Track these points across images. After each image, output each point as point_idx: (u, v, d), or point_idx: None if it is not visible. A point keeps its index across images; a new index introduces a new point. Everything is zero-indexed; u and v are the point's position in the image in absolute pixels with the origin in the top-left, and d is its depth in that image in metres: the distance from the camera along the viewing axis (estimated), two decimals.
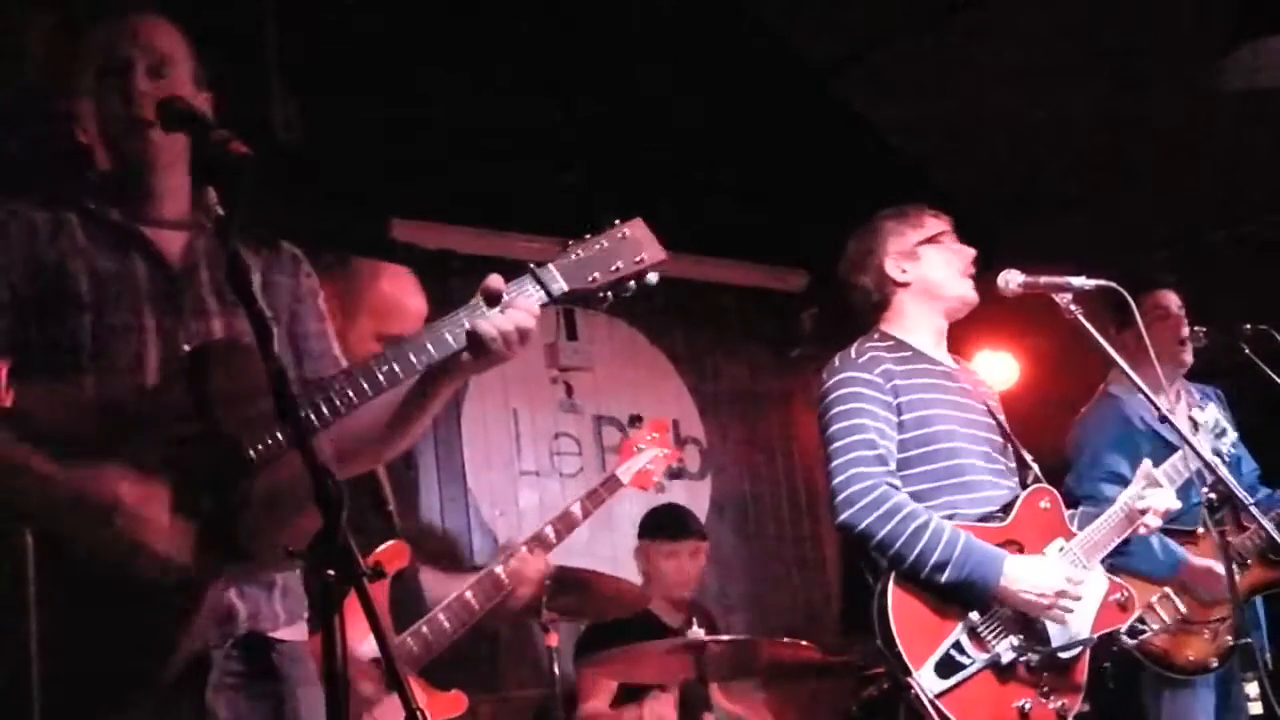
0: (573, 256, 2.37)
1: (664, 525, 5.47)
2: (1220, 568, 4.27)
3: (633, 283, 2.40)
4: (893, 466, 3.42)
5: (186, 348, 2.24)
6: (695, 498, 6.50)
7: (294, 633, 2.33)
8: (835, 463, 3.42)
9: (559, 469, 6.14)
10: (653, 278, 2.42)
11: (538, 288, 2.33)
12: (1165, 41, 5.73)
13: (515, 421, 6.07)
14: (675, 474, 6.52)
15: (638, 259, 2.40)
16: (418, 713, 1.74)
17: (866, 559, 3.41)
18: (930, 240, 3.69)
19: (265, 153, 2.05)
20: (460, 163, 5.59)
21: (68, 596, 1.97)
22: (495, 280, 2.28)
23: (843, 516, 3.36)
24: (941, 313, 3.69)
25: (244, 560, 2.15)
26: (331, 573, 1.75)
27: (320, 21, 5.17)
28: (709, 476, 6.67)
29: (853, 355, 3.56)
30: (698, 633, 4.26)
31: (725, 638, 4.48)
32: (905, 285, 3.68)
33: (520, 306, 2.28)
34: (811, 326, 7.07)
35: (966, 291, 3.68)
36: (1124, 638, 3.42)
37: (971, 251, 3.72)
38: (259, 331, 1.94)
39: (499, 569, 3.63)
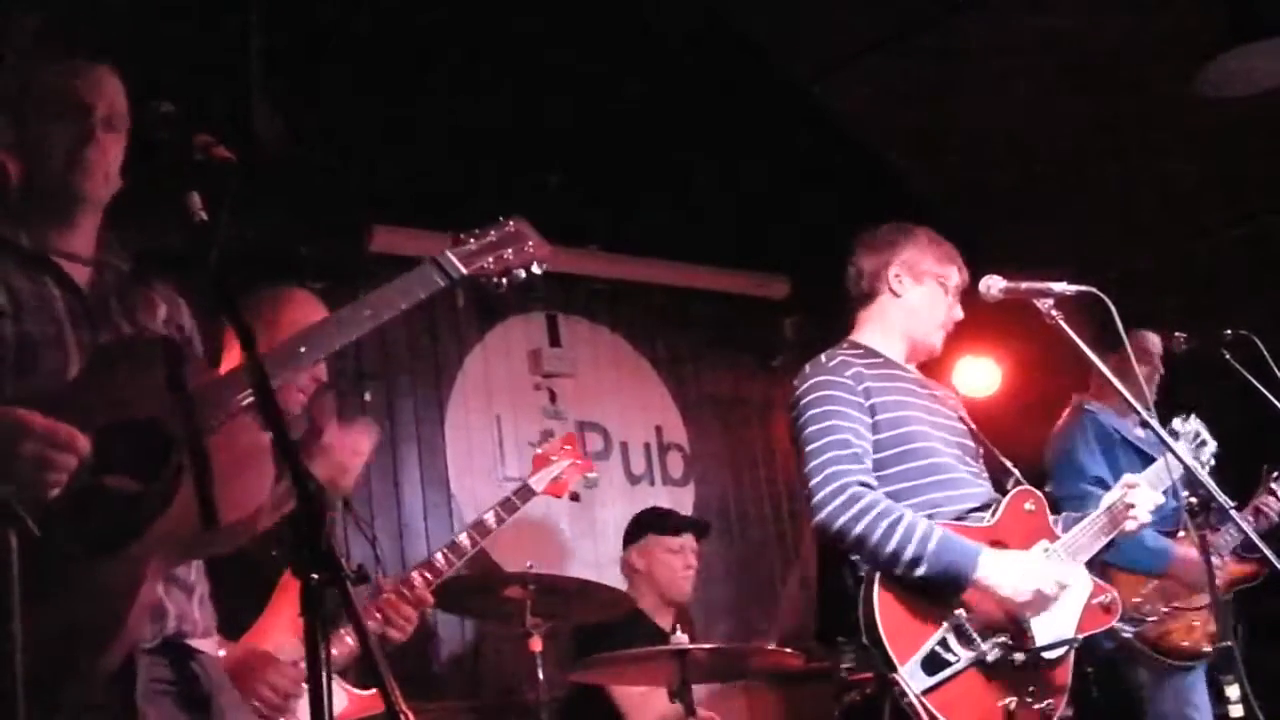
0: (468, 245, 2.59)
1: (661, 522, 5.37)
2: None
3: (521, 271, 2.64)
4: (869, 465, 3.44)
5: None
6: (678, 504, 6.49)
7: (209, 645, 2.35)
8: (811, 465, 3.44)
9: None
10: (538, 269, 2.67)
11: (439, 273, 2.52)
12: (1158, 45, 5.75)
13: (498, 427, 6.05)
14: (661, 480, 6.54)
15: (526, 248, 2.65)
16: (400, 715, 1.75)
17: (848, 561, 3.42)
18: (940, 280, 3.72)
19: (247, 160, 2.06)
20: (440, 169, 5.59)
21: None
22: None
23: (819, 517, 3.38)
24: (908, 337, 3.75)
25: (213, 527, 2.09)
26: (316, 576, 1.77)
27: (302, 30, 5.17)
28: (691, 483, 6.67)
29: (824, 360, 3.60)
30: (681, 638, 4.27)
31: (708, 645, 4.47)
32: (894, 295, 3.72)
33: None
34: (793, 334, 7.08)
35: (935, 342, 3.78)
36: (1123, 627, 3.46)
37: (960, 316, 3.79)
38: (246, 343, 1.95)
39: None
